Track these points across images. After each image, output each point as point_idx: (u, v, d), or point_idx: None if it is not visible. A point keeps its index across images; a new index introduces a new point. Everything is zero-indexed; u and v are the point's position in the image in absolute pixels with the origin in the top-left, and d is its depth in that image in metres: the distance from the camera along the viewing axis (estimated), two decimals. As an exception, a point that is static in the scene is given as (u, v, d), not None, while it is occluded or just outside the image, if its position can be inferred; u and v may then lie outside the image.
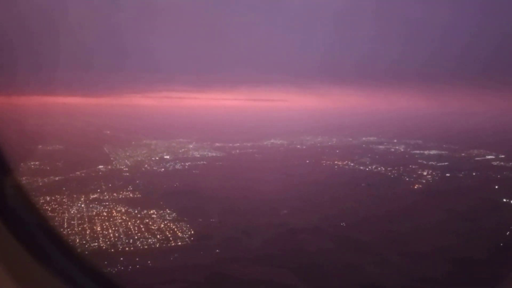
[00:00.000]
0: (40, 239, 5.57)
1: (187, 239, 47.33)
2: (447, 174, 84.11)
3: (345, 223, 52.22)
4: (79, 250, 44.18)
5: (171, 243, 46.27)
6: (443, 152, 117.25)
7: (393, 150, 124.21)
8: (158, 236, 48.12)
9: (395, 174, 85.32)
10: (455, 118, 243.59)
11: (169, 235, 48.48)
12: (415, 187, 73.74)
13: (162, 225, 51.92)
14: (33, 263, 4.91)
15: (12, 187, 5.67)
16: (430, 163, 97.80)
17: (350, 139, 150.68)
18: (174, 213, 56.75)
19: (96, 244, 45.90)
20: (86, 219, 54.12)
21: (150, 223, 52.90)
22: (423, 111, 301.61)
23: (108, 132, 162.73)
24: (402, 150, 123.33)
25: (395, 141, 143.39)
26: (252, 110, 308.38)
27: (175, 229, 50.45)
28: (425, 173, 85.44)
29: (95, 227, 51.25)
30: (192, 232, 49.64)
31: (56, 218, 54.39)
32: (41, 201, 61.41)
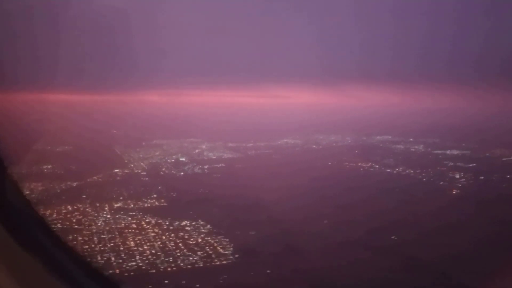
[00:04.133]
0: (39, 237, 5.39)
1: (231, 257, 43.75)
2: (480, 177, 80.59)
3: (396, 236, 48.66)
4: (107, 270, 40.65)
5: (215, 262, 42.68)
6: (465, 152, 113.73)
7: (413, 150, 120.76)
8: (198, 253, 44.54)
9: (426, 178, 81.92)
10: (464, 115, 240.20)
11: (210, 252, 44.92)
12: (453, 192, 70.29)
13: (199, 240, 48.36)
14: (32, 261, 4.82)
15: (11, 185, 5.52)
16: (457, 164, 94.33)
17: (365, 138, 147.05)
18: (209, 225, 53.24)
19: (134, 263, 42.29)
20: (116, 233, 50.53)
21: (186, 237, 49.32)
22: (431, 108, 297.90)
23: (115, 131, 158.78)
24: (423, 150, 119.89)
25: (411, 140, 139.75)
26: (258, 107, 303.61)
27: (215, 244, 46.88)
28: (457, 176, 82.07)
29: (128, 242, 47.66)
30: (234, 247, 46.04)
31: (84, 232, 50.93)
32: (64, 211, 58.20)
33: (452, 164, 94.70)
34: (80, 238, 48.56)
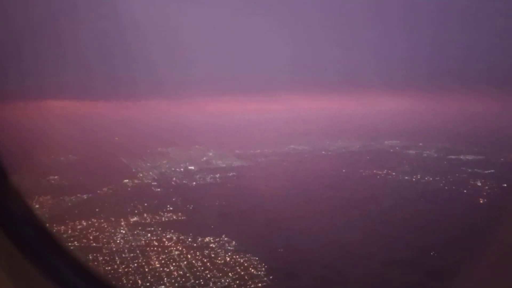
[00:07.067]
0: (37, 242, 5.47)
1: (265, 279, 40.84)
2: (503, 185, 77.92)
3: (436, 252, 45.94)
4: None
5: (250, 285, 39.75)
6: (479, 157, 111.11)
7: (425, 155, 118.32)
8: (230, 274, 41.62)
9: (448, 186, 79.35)
10: (469, 118, 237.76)
11: (242, 273, 42.02)
12: (481, 201, 67.71)
13: (227, 258, 45.48)
14: (30, 266, 4.89)
15: (11, 191, 5.55)
16: (475, 170, 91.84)
17: (373, 143, 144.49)
18: (234, 241, 50.37)
19: (163, 287, 39.28)
20: (138, 252, 47.58)
21: (213, 255, 46.40)
22: (433, 112, 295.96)
23: (117, 138, 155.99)
24: (436, 155, 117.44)
25: (421, 144, 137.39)
26: (262, 113, 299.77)
27: (245, 264, 43.97)
28: (479, 184, 79.54)
29: (152, 262, 44.77)
30: (266, 267, 43.17)
31: (104, 250, 48.03)
32: (79, 227, 55.26)
33: (470, 170, 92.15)
34: (101, 258, 45.67)
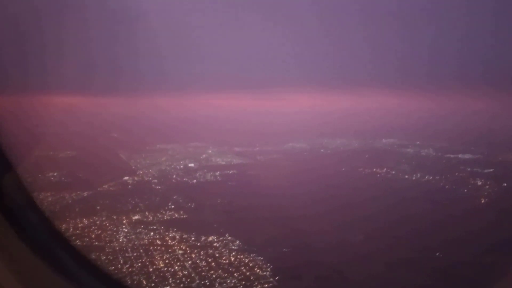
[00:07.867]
0: (43, 236, 5.45)
1: (271, 279, 40.70)
2: (504, 184, 78.22)
3: (441, 253, 45.96)
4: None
5: (256, 286, 39.60)
6: (477, 156, 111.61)
7: (424, 154, 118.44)
8: (235, 275, 41.46)
9: (448, 185, 79.63)
10: (461, 117, 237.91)
11: (247, 273, 41.86)
12: (482, 201, 67.94)
13: (232, 258, 45.31)
14: (36, 261, 4.77)
15: (15, 185, 5.47)
16: (474, 170, 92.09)
17: (371, 141, 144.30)
18: (238, 241, 50.19)
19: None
20: (141, 251, 47.32)
21: (217, 255, 46.23)
22: (428, 110, 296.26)
23: (115, 135, 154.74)
24: (434, 154, 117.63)
25: (418, 143, 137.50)
26: (260, 110, 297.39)
27: (250, 264, 43.83)
28: (479, 183, 79.78)
29: (156, 262, 44.53)
30: (271, 267, 43.05)
31: (106, 249, 47.75)
32: (80, 225, 54.88)
33: (469, 169, 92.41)
34: (104, 257, 45.31)
